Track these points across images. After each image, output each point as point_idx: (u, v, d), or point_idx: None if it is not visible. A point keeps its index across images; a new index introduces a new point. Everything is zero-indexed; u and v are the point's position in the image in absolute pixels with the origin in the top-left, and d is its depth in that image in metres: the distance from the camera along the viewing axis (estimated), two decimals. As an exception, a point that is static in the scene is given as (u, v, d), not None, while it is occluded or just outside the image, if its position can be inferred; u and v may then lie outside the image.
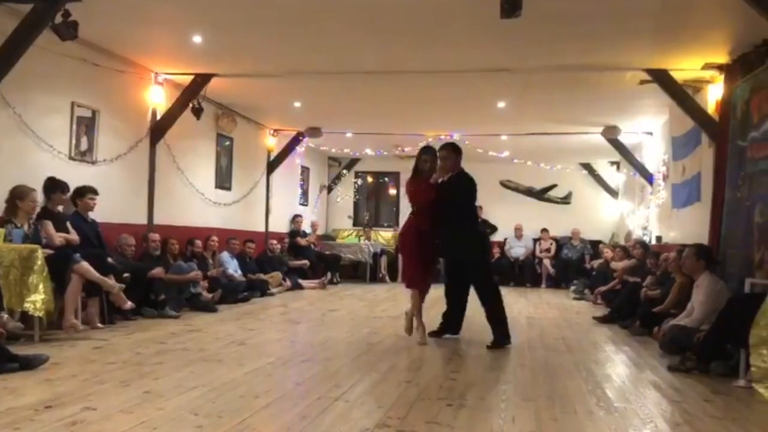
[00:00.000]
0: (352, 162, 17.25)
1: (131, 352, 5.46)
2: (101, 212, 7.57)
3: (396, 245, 7.19)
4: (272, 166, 13.44)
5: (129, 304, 6.86)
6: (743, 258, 6.61)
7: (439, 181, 6.40)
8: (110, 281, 6.70)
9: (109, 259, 7.21)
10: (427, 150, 6.61)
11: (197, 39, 7.62)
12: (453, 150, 6.58)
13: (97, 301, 6.80)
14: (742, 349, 4.80)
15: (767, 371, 4.43)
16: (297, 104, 11.18)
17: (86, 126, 7.94)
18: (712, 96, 8.07)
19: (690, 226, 9.06)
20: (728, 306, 5.22)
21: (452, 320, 6.89)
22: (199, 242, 9.62)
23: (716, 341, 5.20)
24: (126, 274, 7.28)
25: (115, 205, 8.33)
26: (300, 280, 12.34)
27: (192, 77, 9.25)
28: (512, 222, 15.78)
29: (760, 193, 6.36)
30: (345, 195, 17.39)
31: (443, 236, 6.45)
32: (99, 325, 6.70)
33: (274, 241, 12.50)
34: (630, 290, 8.77)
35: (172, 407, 3.74)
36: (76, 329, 6.19)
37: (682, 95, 8.30)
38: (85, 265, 6.38)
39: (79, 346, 5.70)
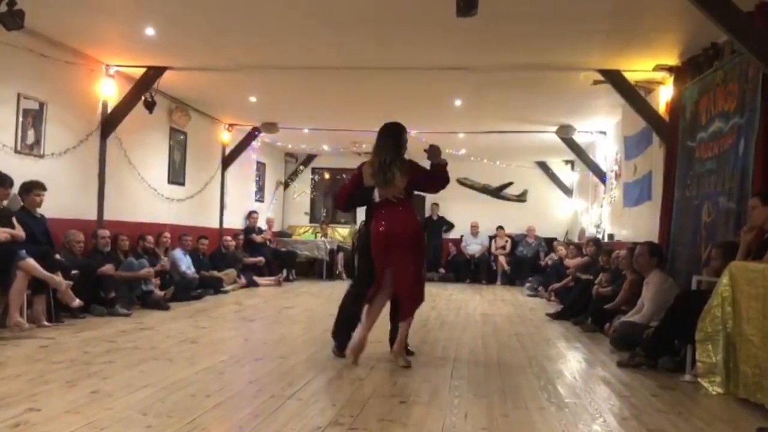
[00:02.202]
0: (309, 158, 17.15)
1: (79, 351, 5.32)
2: (49, 208, 7.36)
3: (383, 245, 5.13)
4: (227, 161, 13.27)
5: (77, 302, 6.69)
6: (691, 255, 6.78)
7: None
8: (57, 278, 6.52)
9: (57, 256, 7.03)
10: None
11: (150, 31, 7.46)
12: None
13: (44, 299, 6.61)
14: (688, 344, 4.92)
15: (712, 366, 4.54)
16: (252, 99, 11.05)
17: (33, 118, 7.72)
18: (663, 97, 8.25)
19: (641, 225, 9.25)
20: (676, 302, 5.34)
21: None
22: (150, 238, 9.43)
23: (664, 337, 5.32)
24: (74, 271, 7.11)
25: (64, 200, 8.11)
26: (255, 278, 12.22)
27: (144, 70, 9.06)
28: (468, 219, 15.91)
29: (707, 192, 6.54)
30: (302, 191, 17.29)
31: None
32: (45, 323, 6.51)
33: (229, 238, 12.34)
34: (582, 287, 8.93)
35: (120, 407, 3.65)
36: (21, 328, 6.00)
37: (633, 96, 8.46)
38: (30, 261, 6.20)
39: (24, 345, 5.53)
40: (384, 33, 7.33)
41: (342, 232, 16.28)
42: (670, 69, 7.91)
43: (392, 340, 5.38)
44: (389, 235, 5.11)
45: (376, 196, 5.21)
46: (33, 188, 7.04)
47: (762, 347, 3.99)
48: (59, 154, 8.13)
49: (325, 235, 15.51)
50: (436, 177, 5.32)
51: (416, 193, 5.61)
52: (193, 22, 7.20)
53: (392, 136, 5.28)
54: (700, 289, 5.31)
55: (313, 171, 17.49)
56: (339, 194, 5.70)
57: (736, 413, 4.04)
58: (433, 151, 5.29)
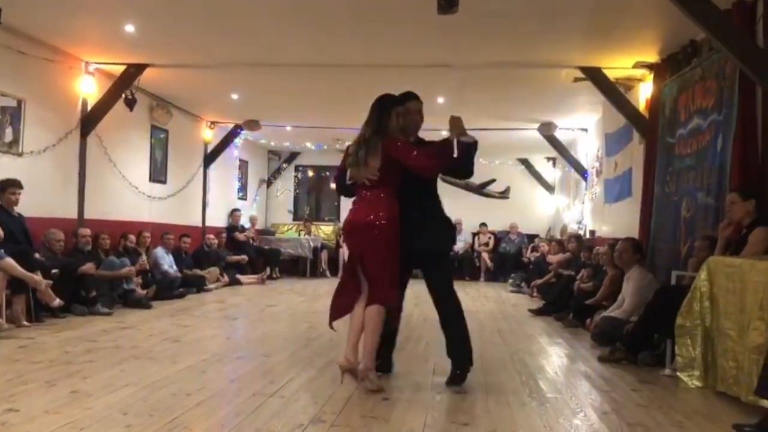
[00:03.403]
0: (292, 155, 17.11)
1: (59, 351, 5.28)
2: (28, 206, 7.29)
3: (350, 239, 4.38)
4: (209, 159, 13.20)
5: (57, 302, 6.64)
6: (671, 251, 6.85)
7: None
8: (37, 277, 6.47)
9: (36, 255, 6.96)
10: (413, 96, 4.74)
11: (130, 28, 7.40)
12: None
13: (23, 299, 6.54)
14: (668, 339, 4.97)
15: (691, 360, 4.60)
16: (234, 96, 11.00)
17: (11, 116, 7.63)
18: (643, 94, 8.33)
19: (622, 221, 9.33)
20: (655, 298, 5.39)
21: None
22: (132, 237, 9.36)
23: (644, 332, 5.37)
24: (54, 270, 7.05)
25: (44, 198, 8.04)
26: (238, 276, 12.18)
27: (124, 67, 8.99)
28: (452, 217, 15.74)
29: (686, 188, 6.61)
30: (285, 189, 17.24)
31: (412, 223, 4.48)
32: (25, 323, 6.45)
33: (212, 236, 12.29)
34: (564, 283, 8.99)
35: (100, 407, 3.63)
36: (1, 328, 5.94)
37: (614, 93, 8.52)
38: (9, 261, 6.14)
39: (3, 345, 5.47)
40: (365, 30, 7.33)
41: (325, 230, 16.27)
42: (649, 66, 7.99)
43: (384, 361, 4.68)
44: (351, 225, 4.39)
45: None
46: (8, 186, 6.96)
47: (739, 341, 4.04)
48: (38, 153, 8.05)
49: (308, 232, 15.49)
50: (432, 156, 4.32)
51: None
52: (173, 18, 7.15)
53: (377, 107, 4.43)
54: (679, 284, 5.36)
55: (297, 168, 17.44)
56: (334, 176, 4.87)
57: (715, 406, 4.09)
58: (451, 124, 4.43)
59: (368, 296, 4.30)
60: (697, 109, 6.45)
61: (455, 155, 4.34)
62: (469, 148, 4.38)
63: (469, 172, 4.66)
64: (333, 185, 5.08)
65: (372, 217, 4.26)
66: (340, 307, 4.45)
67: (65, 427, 3.23)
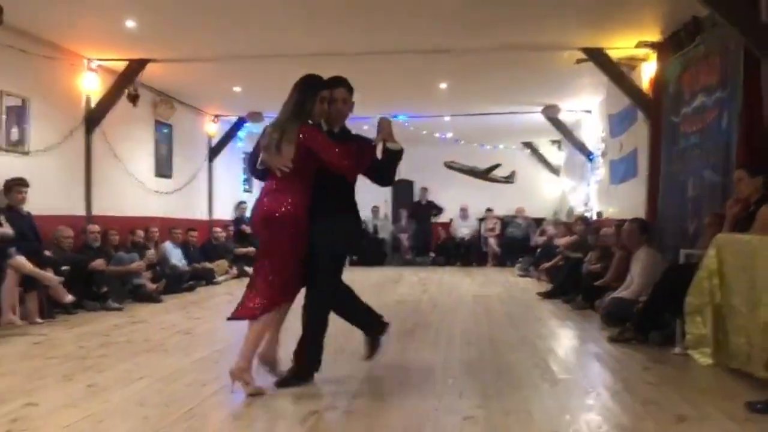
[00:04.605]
0: (296, 146, 17.08)
1: (73, 346, 5.33)
2: (37, 204, 7.33)
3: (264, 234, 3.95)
4: (214, 152, 13.23)
5: (69, 298, 6.69)
6: (678, 230, 6.85)
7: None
8: (48, 274, 6.53)
9: (46, 252, 7.00)
10: (341, 83, 4.15)
11: (131, 23, 7.41)
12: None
13: (36, 296, 6.59)
14: (678, 317, 4.98)
15: (701, 338, 4.60)
16: (237, 89, 11.00)
17: (17, 115, 7.66)
18: (646, 74, 8.30)
19: (628, 201, 9.32)
20: (664, 277, 5.40)
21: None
22: (140, 232, 9.41)
23: (653, 311, 5.38)
24: (65, 267, 7.10)
25: (51, 196, 8.07)
26: (246, 268, 12.20)
27: (127, 63, 9.00)
28: (458, 203, 15.96)
29: (692, 166, 6.60)
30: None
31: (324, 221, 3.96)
32: (38, 320, 6.50)
33: (219, 229, 12.32)
34: (572, 266, 8.98)
35: (117, 399, 3.67)
36: (15, 325, 6.02)
37: (617, 73, 8.49)
38: (20, 259, 6.19)
39: (18, 342, 5.53)
40: (365, 18, 7.32)
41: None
42: (652, 45, 7.94)
43: (362, 328, 4.35)
44: (256, 217, 3.98)
45: (258, 162, 4.03)
46: (15, 185, 7.01)
47: (750, 318, 4.04)
48: (44, 151, 8.08)
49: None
50: (357, 159, 3.89)
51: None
52: (174, 13, 7.15)
53: (300, 89, 3.96)
54: (688, 262, 5.36)
55: (301, 159, 17.41)
56: (248, 156, 4.38)
57: (726, 383, 4.10)
58: (379, 126, 4.02)
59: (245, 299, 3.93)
60: (702, 86, 6.42)
61: (378, 159, 4.00)
62: (394, 155, 3.97)
63: (390, 180, 4.13)
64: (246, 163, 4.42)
65: (276, 210, 3.83)
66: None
67: (84, 420, 3.27)
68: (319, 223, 3.92)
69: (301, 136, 3.82)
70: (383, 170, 4.05)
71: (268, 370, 4.02)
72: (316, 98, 3.93)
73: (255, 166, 4.09)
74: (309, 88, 3.95)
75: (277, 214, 3.83)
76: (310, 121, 3.95)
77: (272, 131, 3.91)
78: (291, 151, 3.82)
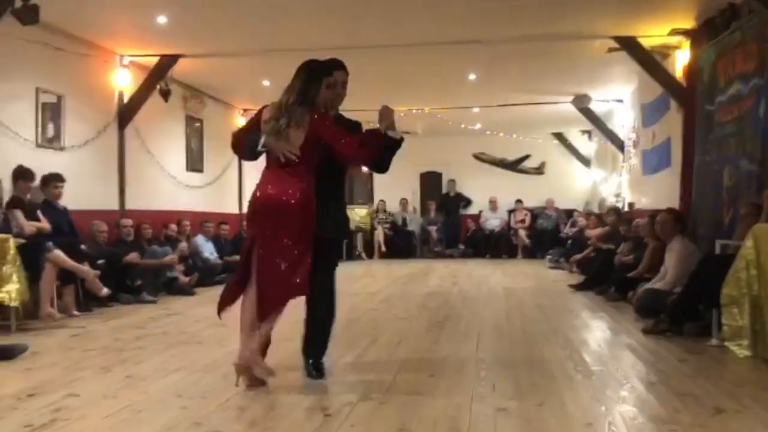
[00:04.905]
0: (325, 140, 17.12)
1: (110, 338, 5.43)
2: (72, 199, 7.47)
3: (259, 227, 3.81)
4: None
5: (105, 291, 6.80)
6: (713, 220, 6.75)
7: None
8: (85, 268, 6.64)
9: (82, 246, 7.14)
10: (340, 65, 4.08)
11: (162, 19, 7.50)
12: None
13: (73, 289, 6.73)
14: (714, 309, 4.91)
15: (738, 329, 4.54)
16: (266, 83, 11.04)
17: (52, 112, 7.81)
18: (680, 62, 8.17)
19: (661, 192, 9.20)
20: (699, 267, 5.33)
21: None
22: (173, 226, 9.54)
23: (689, 302, 5.31)
24: (100, 261, 7.22)
25: (86, 191, 8.22)
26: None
27: (158, 59, 9.12)
28: (487, 194, 15.90)
29: (728, 155, 6.48)
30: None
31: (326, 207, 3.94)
32: (75, 312, 6.64)
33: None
34: (604, 257, 8.91)
35: (155, 390, 3.73)
36: (53, 318, 6.12)
37: (650, 62, 8.38)
38: (58, 253, 6.30)
39: (57, 334, 5.65)
40: (394, 10, 7.31)
41: (360, 213, 16.32)
42: (686, 32, 7.81)
43: (305, 349, 4.13)
44: (255, 206, 3.85)
45: (259, 144, 3.84)
46: (51, 180, 7.14)
47: (788, 308, 3.98)
48: (79, 146, 8.23)
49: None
50: (363, 146, 3.78)
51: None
52: (205, 9, 7.22)
53: (307, 73, 3.84)
54: (723, 253, 5.29)
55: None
56: (235, 133, 4.20)
57: (765, 375, 4.05)
58: (382, 114, 3.87)
59: (257, 308, 3.76)
60: (738, 74, 6.30)
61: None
62: (394, 144, 3.82)
63: (386, 167, 3.98)
64: (232, 139, 4.14)
65: (286, 196, 3.71)
66: (226, 297, 3.96)
67: (124, 410, 3.34)
68: (324, 209, 3.84)
69: (311, 123, 3.72)
70: (382, 158, 3.89)
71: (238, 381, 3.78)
72: (321, 84, 3.84)
73: (247, 145, 3.96)
74: (313, 74, 3.84)
75: (293, 201, 3.70)
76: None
77: (278, 115, 3.75)
78: (300, 138, 3.72)
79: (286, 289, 3.75)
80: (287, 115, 3.73)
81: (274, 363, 4.10)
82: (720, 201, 6.62)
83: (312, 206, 3.77)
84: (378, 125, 3.84)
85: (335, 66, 3.99)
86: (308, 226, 3.76)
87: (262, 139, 3.79)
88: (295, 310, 4.03)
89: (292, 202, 3.71)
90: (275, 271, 3.71)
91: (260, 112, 3.91)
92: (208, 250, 10.12)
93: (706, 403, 3.39)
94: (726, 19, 6.78)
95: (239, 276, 3.91)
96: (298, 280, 3.73)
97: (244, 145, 4.02)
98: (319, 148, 3.77)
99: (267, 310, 3.75)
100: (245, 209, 13.05)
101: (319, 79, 3.85)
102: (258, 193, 3.84)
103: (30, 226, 6.41)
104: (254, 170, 4.38)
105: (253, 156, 4.02)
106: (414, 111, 12.28)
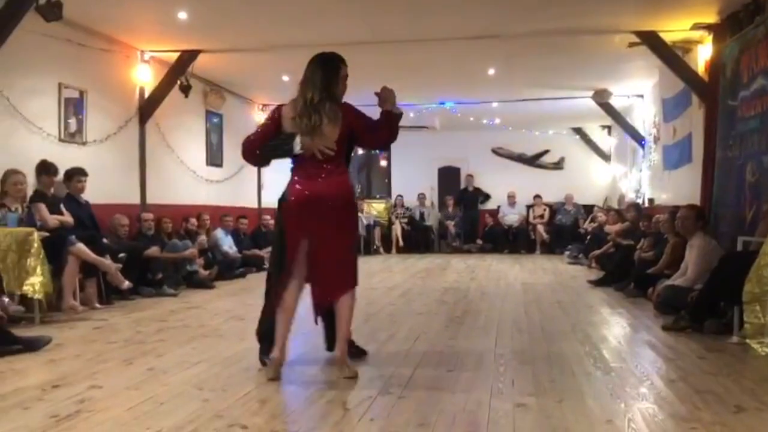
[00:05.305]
0: (343, 134, 17.16)
1: (132, 331, 5.50)
2: (94, 193, 7.56)
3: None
4: (263, 141, 13.38)
5: (127, 284, 6.89)
6: (735, 217, 6.68)
7: None
8: (107, 261, 6.73)
9: (104, 240, 7.22)
10: (342, 59, 4.07)
11: (182, 15, 7.55)
12: None
13: (95, 282, 6.81)
14: (735, 306, 4.87)
15: (760, 327, 4.51)
16: (285, 78, 11.06)
17: (74, 107, 7.90)
18: (702, 56, 8.08)
19: (682, 187, 9.12)
20: (721, 264, 5.28)
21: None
22: (193, 220, 9.62)
23: (709, 299, 5.27)
24: (121, 254, 7.31)
25: (108, 185, 8.31)
26: (295, 255, 12.35)
27: (178, 54, 9.18)
28: (505, 189, 15.84)
29: (751, 151, 6.41)
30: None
31: None
32: (97, 305, 6.72)
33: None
34: (624, 253, 8.85)
35: (177, 382, 3.78)
36: (76, 310, 6.22)
37: (671, 57, 8.30)
38: (80, 246, 6.39)
39: (80, 326, 5.73)
40: (414, 5, 7.29)
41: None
42: (708, 27, 7.73)
43: (329, 340, 4.26)
44: (308, 202, 3.83)
45: (296, 146, 3.80)
46: (75, 174, 7.24)
47: (811, 306, 3.95)
48: (101, 141, 8.32)
49: (360, 210, 15.60)
50: (383, 128, 3.93)
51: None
52: (224, 3, 7.26)
53: (324, 67, 3.89)
54: (745, 250, 5.24)
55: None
56: (248, 142, 4.10)
57: (786, 373, 4.02)
58: (386, 95, 3.97)
59: (315, 297, 3.89)
60: (762, 68, 6.23)
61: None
62: (397, 117, 3.97)
63: (396, 136, 4.03)
64: (244, 148, 4.13)
65: (342, 195, 3.85)
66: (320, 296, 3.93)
67: (146, 402, 3.39)
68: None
69: (345, 116, 3.83)
70: (386, 131, 3.97)
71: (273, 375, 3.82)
72: (339, 77, 3.92)
73: (267, 148, 3.97)
74: (332, 68, 3.91)
75: (346, 196, 3.88)
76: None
77: (309, 114, 3.78)
78: (335, 132, 3.79)
79: (342, 284, 3.90)
80: (317, 112, 3.78)
81: (294, 357, 4.14)
82: (742, 197, 6.55)
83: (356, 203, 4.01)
84: (381, 106, 3.96)
85: (341, 60, 4.02)
86: (357, 218, 4.08)
87: (297, 141, 3.79)
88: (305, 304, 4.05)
89: (346, 196, 3.89)
90: (333, 266, 3.86)
91: (277, 112, 3.95)
92: (228, 244, 10.19)
93: (727, 401, 3.38)
94: (750, 14, 6.70)
95: (289, 273, 3.90)
96: (351, 275, 3.94)
97: (265, 154, 4.04)
98: (350, 140, 3.91)
99: (324, 304, 3.92)
100: (264, 203, 13.22)
101: (337, 73, 3.92)
102: (306, 192, 3.85)
103: (53, 220, 6.50)
104: (273, 165, 4.41)
105: (268, 159, 4.12)
106: (433, 106, 12.24)
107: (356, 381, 3.79)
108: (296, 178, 3.94)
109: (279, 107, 3.98)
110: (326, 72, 3.88)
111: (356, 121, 3.88)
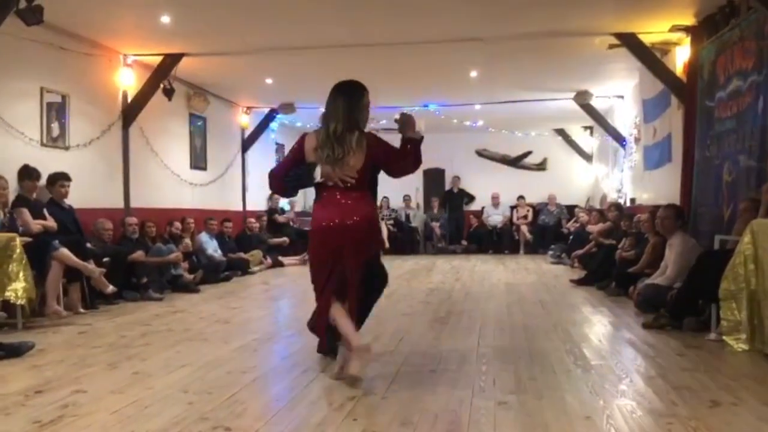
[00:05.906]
0: (328, 137, 17.18)
1: (116, 335, 5.50)
2: (77, 198, 7.53)
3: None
4: (247, 143, 13.41)
5: (111, 288, 6.87)
6: (713, 215, 6.79)
7: None
8: (90, 266, 6.71)
9: (88, 244, 7.20)
10: (364, 87, 4.11)
11: (165, 19, 7.55)
12: None
13: (79, 287, 6.80)
14: (712, 303, 4.96)
15: (736, 324, 4.59)
16: (269, 81, 11.13)
17: (57, 111, 7.87)
18: (680, 58, 8.20)
19: (662, 187, 9.24)
20: (698, 263, 5.37)
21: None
22: (177, 224, 9.60)
23: (688, 297, 5.36)
24: (105, 259, 7.29)
25: (91, 190, 8.29)
26: (280, 258, 12.38)
27: (161, 58, 9.18)
28: (489, 191, 15.94)
29: (727, 151, 6.52)
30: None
31: None
32: (81, 310, 6.71)
33: (253, 220, 12.49)
34: (605, 252, 8.95)
35: (161, 386, 3.80)
36: (60, 315, 6.20)
37: (650, 58, 8.40)
38: (64, 251, 6.37)
39: (64, 331, 5.72)
40: (395, 8, 7.34)
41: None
42: (686, 29, 7.84)
43: (321, 345, 4.40)
44: (329, 230, 3.89)
45: (317, 175, 3.89)
46: (58, 179, 7.20)
47: (785, 303, 4.03)
48: (84, 146, 8.29)
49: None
50: (406, 156, 3.92)
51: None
52: (208, 7, 7.27)
53: (347, 96, 3.93)
54: (722, 248, 5.33)
55: (332, 149, 17.51)
56: (274, 172, 4.20)
57: (762, 369, 4.10)
58: (406, 122, 3.97)
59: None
60: (737, 70, 6.34)
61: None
62: (419, 142, 3.98)
63: (420, 162, 4.01)
64: (271, 178, 4.23)
65: (361, 220, 3.87)
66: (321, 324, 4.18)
67: (131, 406, 3.40)
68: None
69: (369, 146, 3.87)
70: (410, 159, 3.97)
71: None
72: (362, 106, 3.96)
73: (291, 179, 4.03)
74: (356, 97, 3.95)
75: (369, 222, 3.92)
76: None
77: (332, 145, 3.84)
78: (359, 161, 3.85)
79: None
80: (341, 145, 3.83)
81: (279, 359, 4.16)
82: (720, 196, 6.66)
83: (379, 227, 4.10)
84: (402, 132, 3.96)
85: (363, 88, 4.05)
86: (378, 239, 4.18)
87: (318, 170, 3.86)
88: (302, 306, 4.08)
89: (368, 223, 3.91)
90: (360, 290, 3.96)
91: (301, 142, 4.01)
92: (212, 248, 10.18)
93: (703, 397, 3.45)
94: (725, 16, 6.82)
95: (323, 297, 4.04)
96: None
97: (288, 184, 4.09)
98: (374, 168, 3.96)
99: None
100: (249, 206, 13.22)
101: (359, 101, 3.95)
102: (328, 219, 3.90)
103: (36, 225, 6.48)
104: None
105: (292, 190, 4.21)
106: (416, 108, 12.30)
107: (348, 381, 3.76)
108: (319, 205, 4.01)
109: (303, 137, 4.05)
110: (349, 101, 3.91)
111: (380, 150, 3.91)
